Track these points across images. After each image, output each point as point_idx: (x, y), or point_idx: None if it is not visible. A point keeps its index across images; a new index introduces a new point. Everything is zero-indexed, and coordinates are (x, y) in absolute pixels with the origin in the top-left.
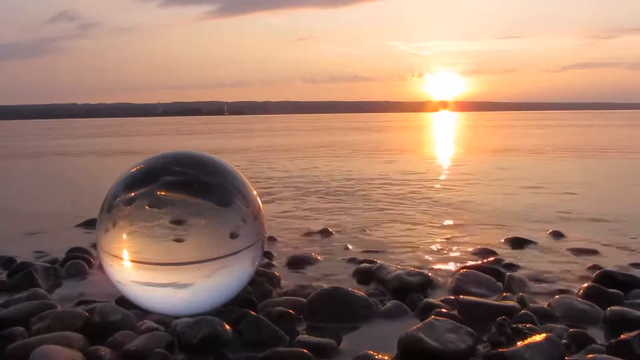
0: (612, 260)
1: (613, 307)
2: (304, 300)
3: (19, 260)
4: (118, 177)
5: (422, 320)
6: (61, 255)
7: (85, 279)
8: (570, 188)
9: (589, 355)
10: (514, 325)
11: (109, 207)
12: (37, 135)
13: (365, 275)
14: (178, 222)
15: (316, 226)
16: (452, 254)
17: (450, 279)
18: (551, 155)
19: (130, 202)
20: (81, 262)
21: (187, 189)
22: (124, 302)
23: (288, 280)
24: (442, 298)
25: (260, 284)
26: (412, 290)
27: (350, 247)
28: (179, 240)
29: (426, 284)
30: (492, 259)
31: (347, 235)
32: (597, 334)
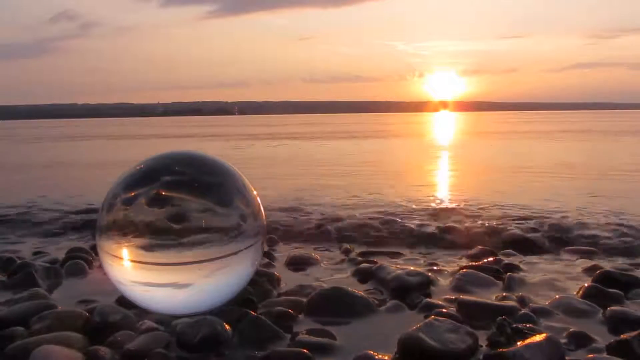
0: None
1: (613, 307)
2: (304, 300)
3: (19, 261)
4: (118, 177)
5: (422, 319)
6: (61, 255)
7: (85, 279)
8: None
9: (589, 355)
10: (514, 325)
11: (109, 207)
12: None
13: (365, 275)
14: (178, 222)
15: None
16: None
17: (450, 279)
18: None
19: (130, 202)
20: (81, 262)
21: (187, 189)
22: (124, 302)
23: (288, 280)
24: (442, 298)
25: (260, 284)
26: (412, 290)
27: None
28: (178, 241)
29: (426, 284)
30: (492, 258)
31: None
32: (597, 334)
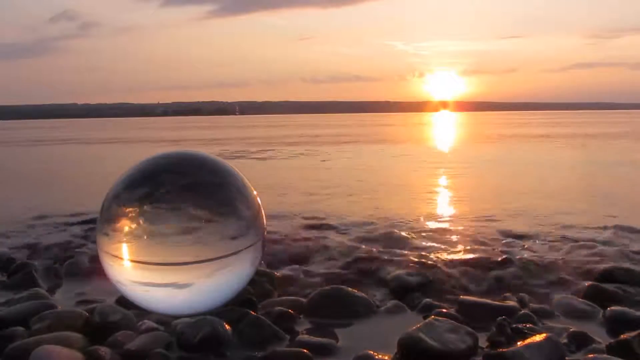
0: None
1: (613, 307)
2: (304, 300)
3: (18, 261)
4: (119, 177)
5: (422, 320)
6: (61, 255)
7: (85, 279)
8: None
9: (589, 355)
10: (514, 325)
11: (109, 207)
12: None
13: (365, 275)
14: (178, 222)
15: None
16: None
17: (450, 279)
18: None
19: (130, 202)
20: (81, 262)
21: (187, 189)
22: (124, 302)
23: (288, 280)
24: (442, 298)
25: (260, 284)
26: (412, 290)
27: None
28: (178, 241)
29: (426, 284)
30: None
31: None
32: (597, 334)
